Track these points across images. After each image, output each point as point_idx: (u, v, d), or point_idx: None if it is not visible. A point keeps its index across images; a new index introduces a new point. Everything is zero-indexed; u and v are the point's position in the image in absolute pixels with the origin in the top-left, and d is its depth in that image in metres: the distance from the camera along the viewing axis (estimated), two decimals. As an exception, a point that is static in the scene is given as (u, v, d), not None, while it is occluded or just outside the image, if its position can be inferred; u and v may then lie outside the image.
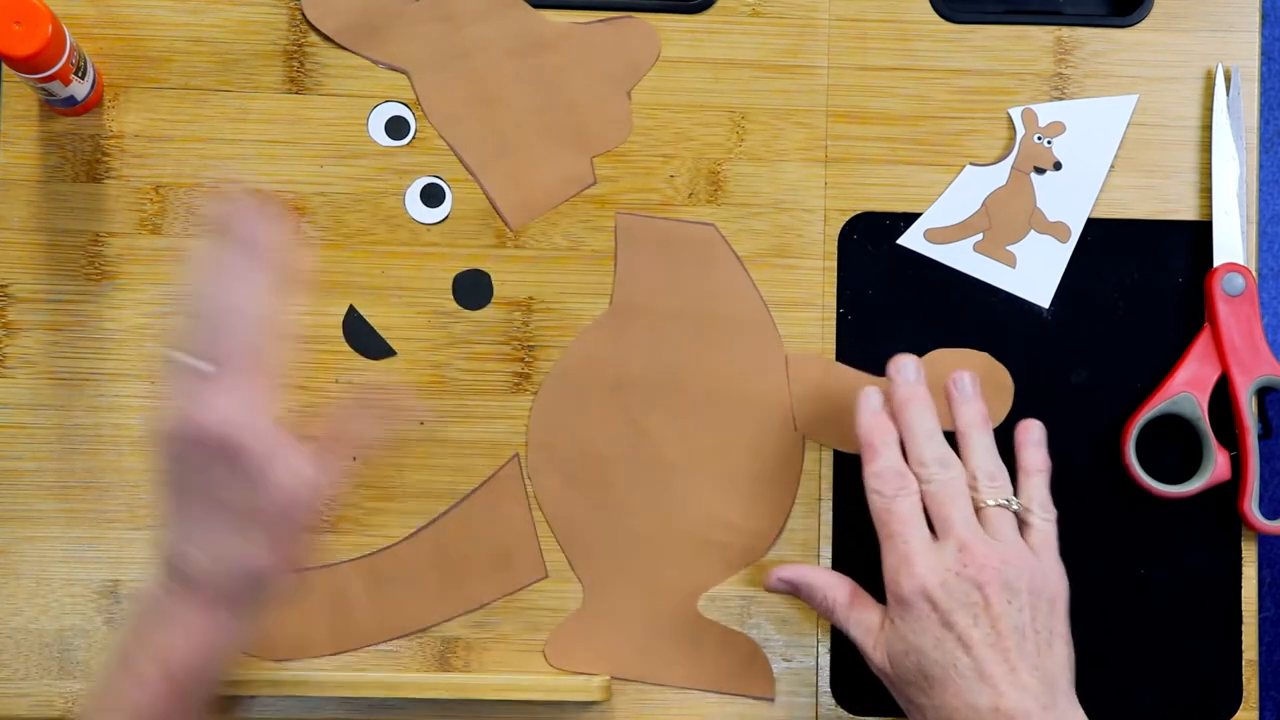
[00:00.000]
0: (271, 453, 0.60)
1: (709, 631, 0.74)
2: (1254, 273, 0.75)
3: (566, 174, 0.75)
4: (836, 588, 0.69)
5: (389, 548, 0.74)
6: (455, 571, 0.74)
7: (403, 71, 0.75)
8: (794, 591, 0.71)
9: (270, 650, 0.73)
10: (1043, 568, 0.65)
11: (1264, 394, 0.75)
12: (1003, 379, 0.75)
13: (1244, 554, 0.75)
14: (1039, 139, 0.76)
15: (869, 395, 0.69)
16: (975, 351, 0.75)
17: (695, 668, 0.74)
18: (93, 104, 0.74)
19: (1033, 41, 0.77)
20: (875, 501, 0.66)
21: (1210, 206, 0.76)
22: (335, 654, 0.74)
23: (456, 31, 0.75)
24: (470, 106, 0.75)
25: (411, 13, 0.75)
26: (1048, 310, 0.76)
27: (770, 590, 0.72)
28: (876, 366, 0.75)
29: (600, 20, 0.76)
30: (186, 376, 0.61)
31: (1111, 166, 0.76)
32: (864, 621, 0.67)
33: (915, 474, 0.67)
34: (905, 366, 0.69)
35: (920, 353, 0.75)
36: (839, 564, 0.74)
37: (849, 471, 0.75)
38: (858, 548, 0.74)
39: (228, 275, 0.61)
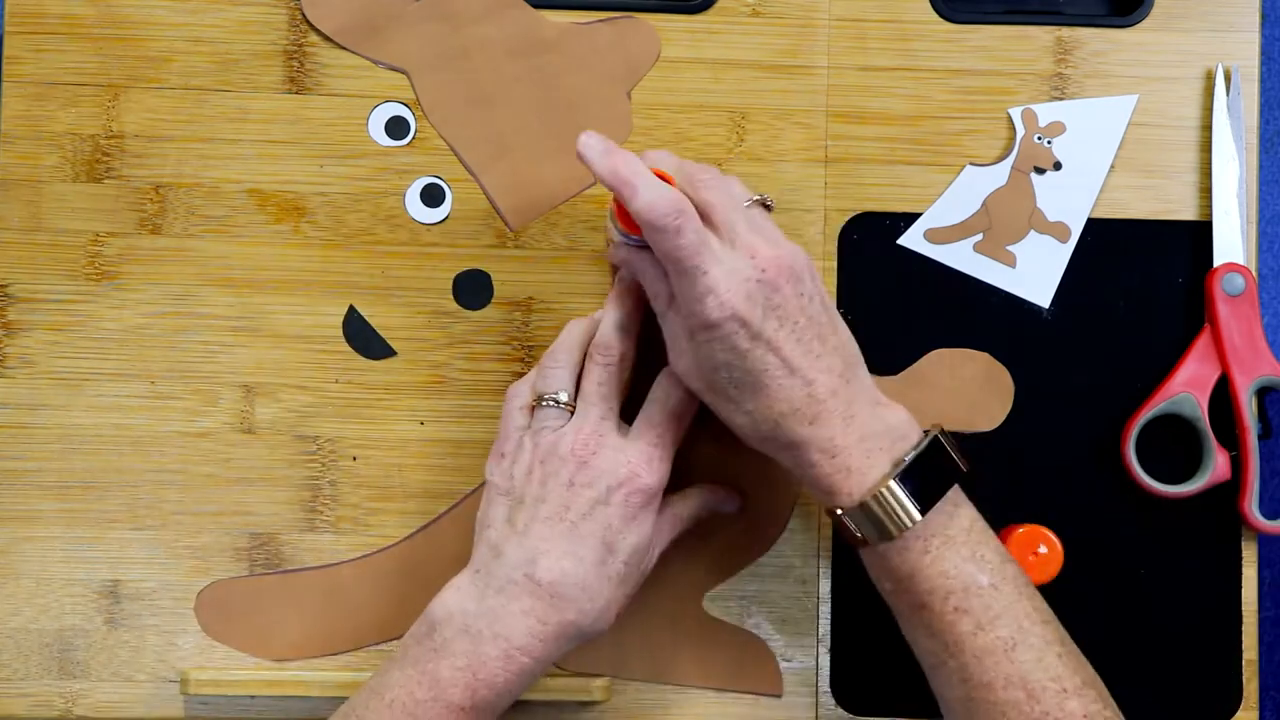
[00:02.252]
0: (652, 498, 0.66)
1: (715, 630, 0.74)
2: (1254, 273, 0.75)
3: (567, 174, 0.75)
4: (661, 282, 0.65)
5: (387, 548, 0.74)
6: (437, 585, 0.72)
7: (403, 71, 0.75)
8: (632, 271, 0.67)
9: (266, 649, 0.73)
10: (798, 246, 0.65)
11: (1264, 394, 0.75)
12: (1003, 380, 0.75)
13: (1244, 554, 0.75)
14: (1039, 139, 0.76)
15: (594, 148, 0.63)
16: (976, 352, 0.75)
17: (702, 667, 0.74)
18: None
19: (1033, 41, 0.77)
20: (660, 241, 0.61)
21: (1210, 206, 0.76)
22: (333, 654, 0.74)
23: (456, 31, 0.75)
24: (470, 106, 0.75)
25: (411, 13, 0.75)
26: (1048, 310, 0.76)
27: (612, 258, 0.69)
28: (877, 367, 0.75)
29: (600, 20, 0.76)
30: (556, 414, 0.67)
31: (1111, 166, 0.76)
32: (674, 328, 0.65)
33: (686, 191, 0.63)
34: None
35: (920, 353, 0.75)
36: (839, 563, 0.74)
37: (849, 471, 0.75)
38: (858, 548, 0.74)
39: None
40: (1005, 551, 0.64)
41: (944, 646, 0.62)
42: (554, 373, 0.68)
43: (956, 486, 0.64)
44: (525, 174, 0.75)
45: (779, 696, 0.74)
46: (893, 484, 0.62)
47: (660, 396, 0.67)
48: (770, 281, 0.62)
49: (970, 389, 0.75)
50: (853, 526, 0.63)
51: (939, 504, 0.62)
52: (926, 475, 0.63)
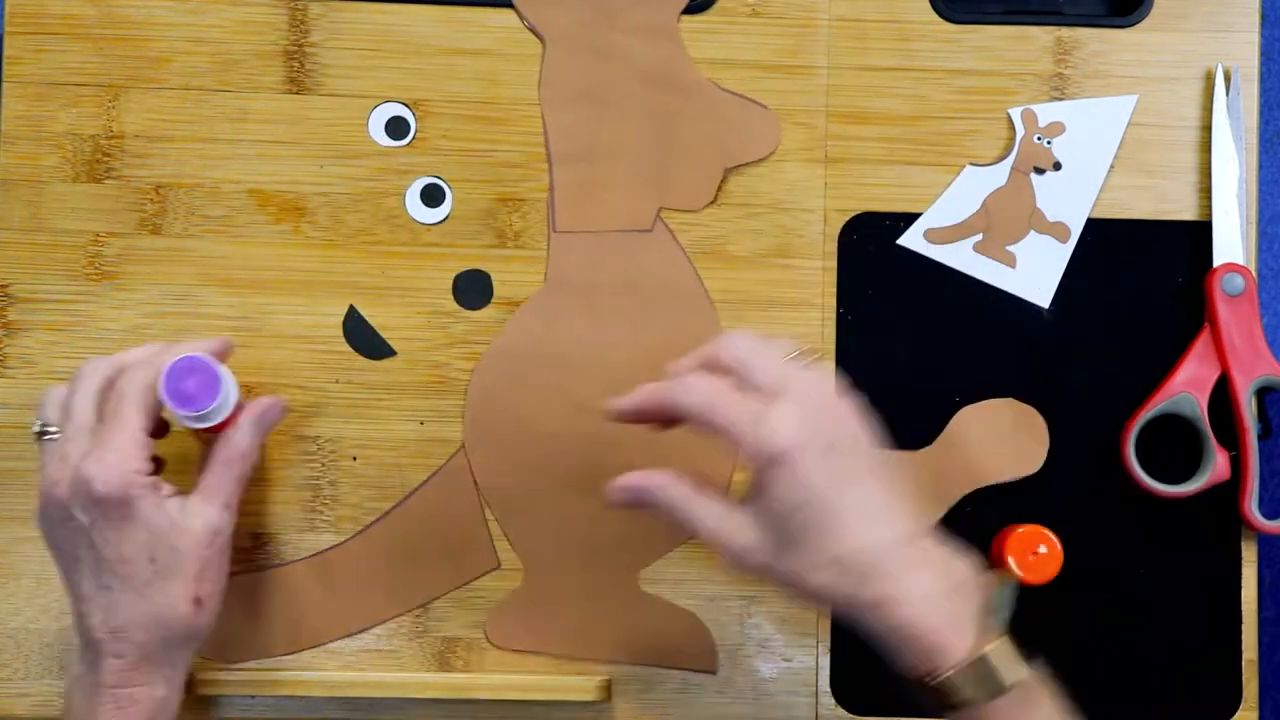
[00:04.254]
0: (151, 498, 0.63)
1: (649, 606, 0.74)
2: (1254, 273, 0.75)
3: (630, 210, 0.75)
4: (676, 483, 0.62)
5: (341, 544, 0.74)
6: (406, 566, 0.74)
7: (539, 36, 0.75)
8: (638, 503, 0.63)
9: (223, 652, 0.73)
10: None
11: (1264, 394, 0.75)
12: (1035, 421, 0.75)
13: (1244, 554, 0.75)
14: (1039, 139, 0.76)
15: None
16: (1001, 401, 0.75)
17: (635, 644, 0.73)
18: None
19: (1033, 41, 0.77)
20: (698, 411, 0.60)
21: (1210, 206, 0.76)
22: (291, 653, 0.73)
23: (608, 29, 0.75)
24: (580, 100, 0.75)
25: None
26: (1048, 310, 0.76)
27: (614, 505, 0.64)
28: (876, 367, 0.75)
29: (735, 94, 0.76)
30: (49, 446, 0.65)
31: (1111, 166, 0.76)
32: (714, 509, 0.61)
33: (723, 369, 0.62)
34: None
35: (921, 352, 0.75)
36: (839, 564, 0.74)
37: (849, 471, 0.75)
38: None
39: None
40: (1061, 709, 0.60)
41: None
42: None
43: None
44: (594, 187, 0.75)
45: (714, 674, 0.74)
46: (1000, 643, 0.58)
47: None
48: (825, 409, 0.60)
49: (1006, 439, 0.75)
50: (960, 686, 0.57)
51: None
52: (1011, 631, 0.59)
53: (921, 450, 0.75)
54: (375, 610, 0.74)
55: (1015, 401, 0.75)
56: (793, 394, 0.60)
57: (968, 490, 0.74)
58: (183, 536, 0.64)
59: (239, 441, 0.67)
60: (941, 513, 0.74)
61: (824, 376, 0.63)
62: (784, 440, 0.58)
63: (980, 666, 0.57)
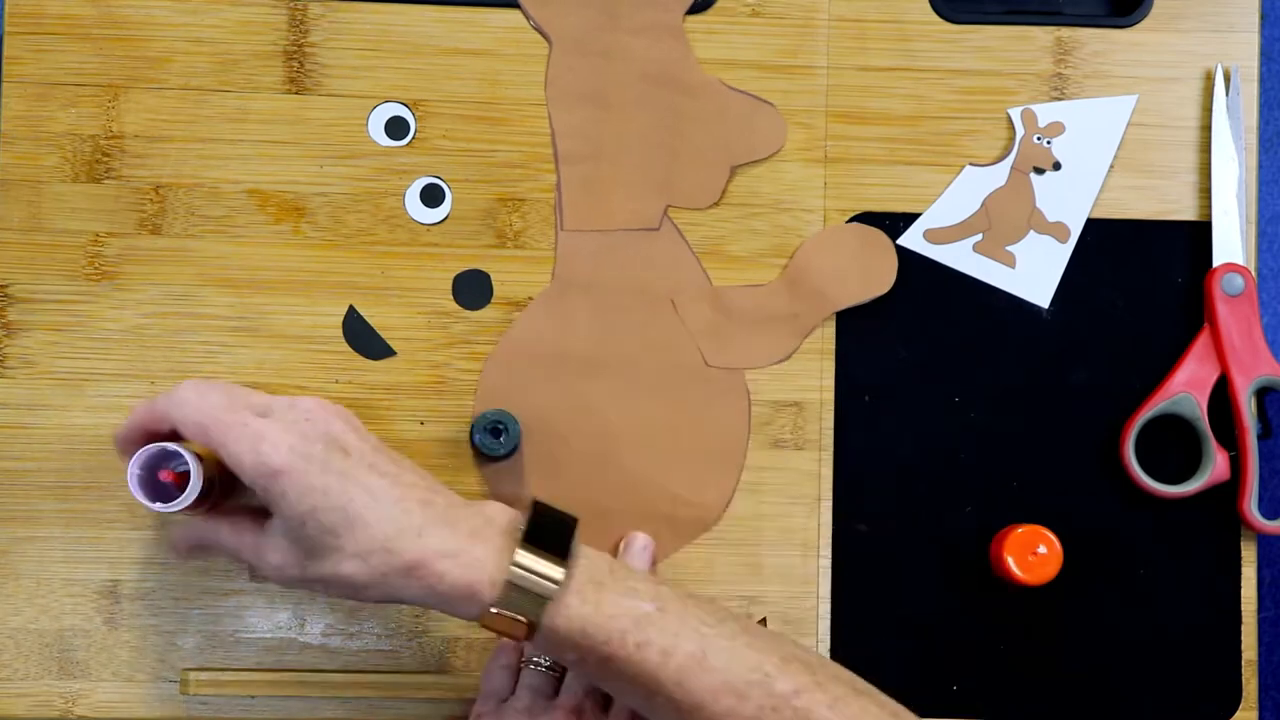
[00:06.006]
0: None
1: None
2: (1253, 273, 0.75)
3: (637, 209, 0.75)
4: (213, 525, 0.65)
5: None
6: None
7: (546, 37, 0.75)
8: (199, 551, 0.67)
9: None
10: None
11: (1263, 394, 0.75)
12: (880, 240, 0.75)
13: (1243, 554, 0.75)
14: (1039, 139, 0.76)
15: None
16: (843, 225, 0.75)
17: None
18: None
19: (1033, 42, 0.77)
20: (194, 426, 0.62)
21: (1210, 207, 0.76)
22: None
23: (611, 29, 0.75)
24: (586, 101, 0.75)
25: None
26: (1048, 310, 0.76)
27: (178, 557, 0.68)
28: (876, 367, 0.75)
29: (742, 92, 0.76)
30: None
31: (1111, 167, 0.76)
32: (247, 538, 0.64)
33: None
34: None
35: (921, 355, 0.75)
36: (839, 562, 0.74)
37: (849, 472, 0.75)
38: (858, 547, 0.74)
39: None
40: (651, 575, 0.63)
41: (645, 690, 0.60)
42: None
43: (578, 538, 0.62)
44: (601, 186, 0.75)
45: None
46: (521, 552, 0.60)
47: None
48: (318, 419, 0.62)
49: (853, 262, 0.75)
50: (510, 615, 0.59)
51: (571, 554, 0.60)
52: (551, 536, 0.61)
53: (766, 285, 0.75)
54: None
55: (859, 226, 0.75)
56: (278, 410, 0.62)
57: (823, 316, 0.75)
58: None
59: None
60: (798, 344, 0.75)
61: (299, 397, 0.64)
62: (280, 457, 0.60)
63: (514, 585, 0.59)
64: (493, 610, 0.60)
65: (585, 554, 0.61)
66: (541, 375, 0.74)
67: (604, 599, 0.60)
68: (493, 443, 0.72)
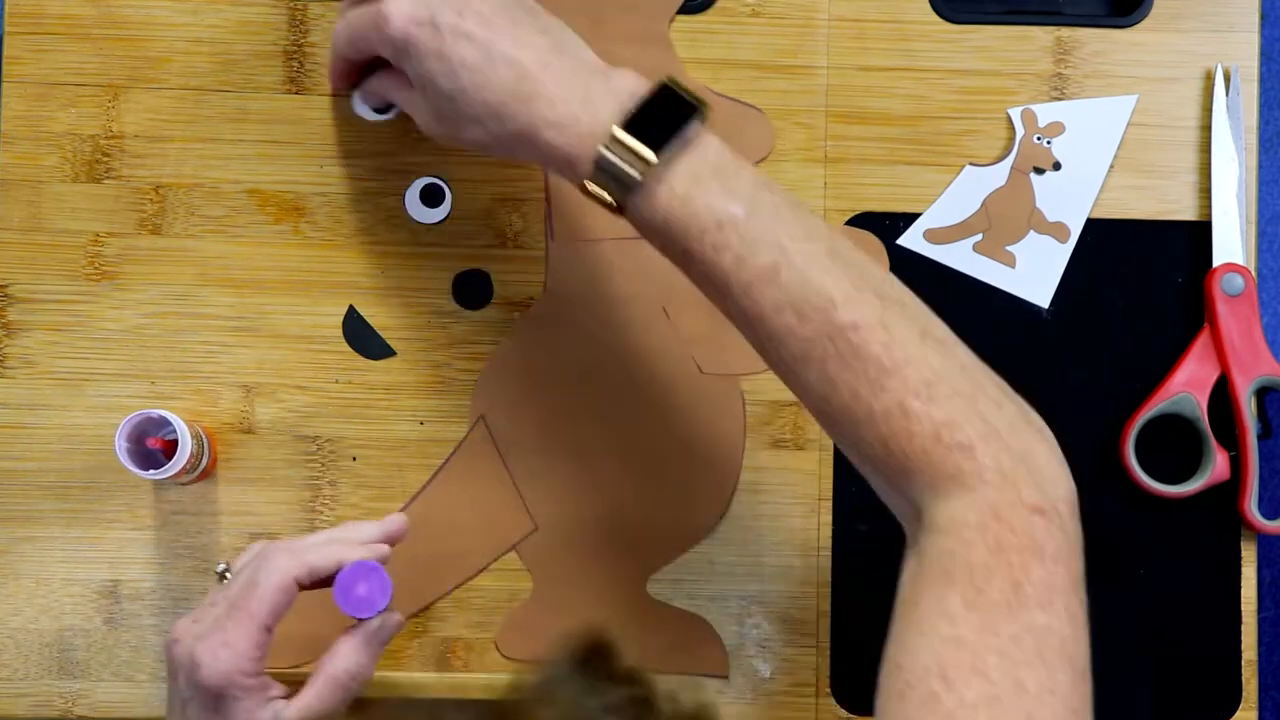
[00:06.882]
0: (250, 700, 0.63)
1: (660, 614, 0.74)
2: (1253, 273, 0.75)
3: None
4: (386, 77, 0.68)
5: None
6: (447, 542, 0.74)
7: None
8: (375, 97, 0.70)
9: (282, 658, 0.72)
10: None
11: (1263, 394, 0.75)
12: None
13: (1244, 554, 0.75)
14: (1039, 139, 0.76)
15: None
16: (841, 229, 0.75)
17: (647, 652, 0.73)
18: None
19: (1033, 42, 0.77)
20: (346, 45, 0.66)
21: (1210, 207, 0.76)
22: None
23: (598, 38, 0.74)
24: None
25: (569, 3, 0.74)
26: (1048, 310, 0.76)
27: (369, 113, 0.72)
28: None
29: (729, 98, 0.76)
30: (212, 588, 0.66)
31: (1111, 166, 0.76)
32: (409, 95, 0.66)
33: None
34: None
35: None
36: (839, 562, 0.74)
37: (848, 471, 0.75)
38: (859, 547, 0.74)
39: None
40: (764, 179, 0.61)
41: (718, 291, 0.60)
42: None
43: (700, 127, 0.60)
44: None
45: (725, 678, 0.74)
46: (617, 130, 0.59)
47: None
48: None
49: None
50: (600, 191, 0.60)
51: (676, 143, 0.59)
52: (662, 121, 0.60)
53: None
54: (424, 590, 0.74)
55: (849, 229, 0.75)
56: None
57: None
58: None
59: (351, 661, 0.65)
60: None
61: None
62: (399, 27, 0.62)
63: (604, 162, 0.59)
64: (586, 184, 0.61)
65: (700, 144, 0.60)
66: (534, 387, 0.74)
67: (695, 194, 0.59)
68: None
